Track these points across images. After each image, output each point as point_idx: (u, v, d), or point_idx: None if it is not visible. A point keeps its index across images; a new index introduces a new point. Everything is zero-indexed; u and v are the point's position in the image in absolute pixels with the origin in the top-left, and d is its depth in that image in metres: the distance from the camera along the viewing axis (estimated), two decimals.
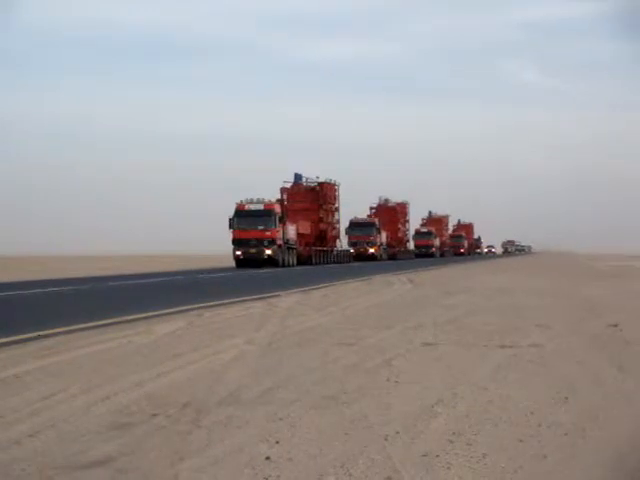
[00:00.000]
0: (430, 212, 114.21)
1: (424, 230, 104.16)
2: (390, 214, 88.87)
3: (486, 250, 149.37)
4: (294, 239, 55.98)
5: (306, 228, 60.97)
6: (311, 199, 64.51)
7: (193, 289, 25.44)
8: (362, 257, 75.79)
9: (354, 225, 77.97)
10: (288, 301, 18.13)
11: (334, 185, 68.14)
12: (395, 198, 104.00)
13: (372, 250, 77.21)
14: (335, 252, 66.83)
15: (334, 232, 67.40)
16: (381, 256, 78.73)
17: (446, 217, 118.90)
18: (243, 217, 52.44)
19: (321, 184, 65.55)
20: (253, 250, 51.73)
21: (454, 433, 5.90)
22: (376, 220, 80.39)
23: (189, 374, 8.35)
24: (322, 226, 64.71)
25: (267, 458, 5.29)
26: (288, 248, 54.37)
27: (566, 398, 7.11)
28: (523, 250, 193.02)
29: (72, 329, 12.63)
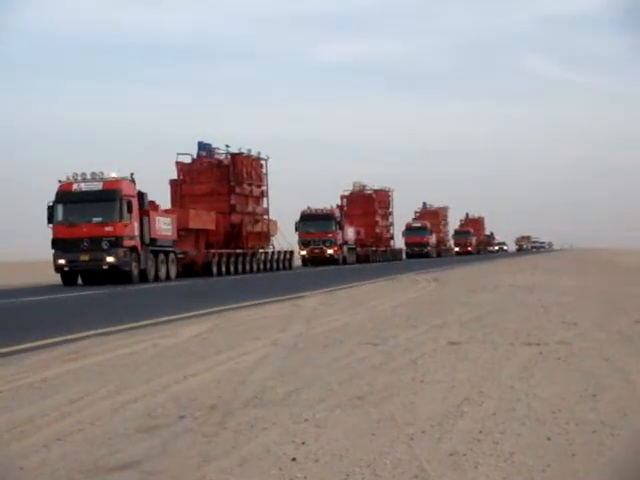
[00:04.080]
0: (425, 203, 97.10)
1: (417, 225, 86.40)
2: (365, 204, 69.58)
3: (496, 248, 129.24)
4: (171, 238, 35.81)
5: (204, 221, 40.03)
6: (217, 178, 43.00)
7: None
8: (317, 261, 57.97)
9: (306, 218, 58.78)
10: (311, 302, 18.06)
11: (258, 159, 46.16)
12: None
13: (330, 251, 58.39)
14: (262, 255, 45.94)
15: (258, 227, 45.51)
16: (345, 259, 60.19)
17: (444, 209, 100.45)
18: (70, 204, 32.03)
19: (234, 156, 43.65)
20: (86, 257, 31.64)
21: (481, 432, 5.88)
22: (336, 211, 60.98)
23: (215, 376, 8.37)
24: (235, 218, 43.17)
25: (293, 459, 5.30)
26: (156, 252, 34.12)
27: (594, 395, 7.07)
28: (543, 247, 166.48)
29: (99, 332, 12.70)
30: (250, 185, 45.15)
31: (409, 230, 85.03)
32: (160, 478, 4.98)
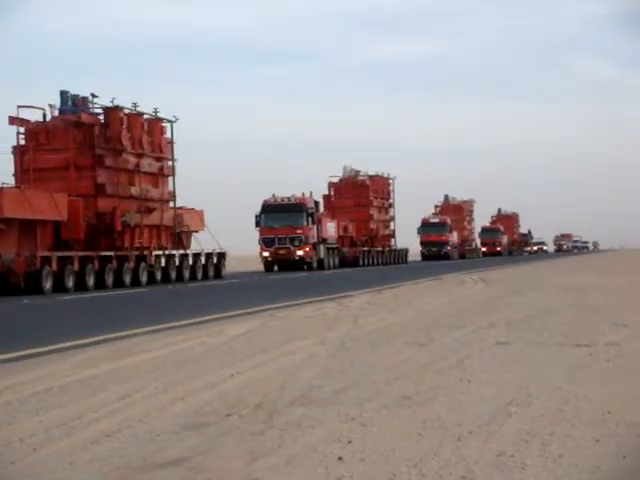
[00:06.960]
0: (446, 196, 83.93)
1: (435, 221, 73.81)
2: (357, 194, 56.35)
3: (535, 248, 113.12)
4: None
5: (40, 207, 26.10)
6: (78, 144, 28.97)
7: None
8: (284, 264, 45.55)
9: (269, 210, 45.90)
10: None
11: (155, 120, 32.37)
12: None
13: (300, 252, 45.50)
14: (159, 261, 31.10)
15: (154, 218, 31.65)
16: (321, 262, 46.97)
17: (469, 203, 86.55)
18: None
19: (107, 112, 29.93)
20: None
21: (529, 433, 5.82)
22: (308, 201, 47.28)
23: (261, 374, 8.40)
24: (104, 204, 29.45)
25: (339, 458, 5.29)
26: None
27: None
28: (586, 247, 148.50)
29: (146, 330, 12.83)
30: (138, 157, 30.97)
31: (425, 227, 71.89)
32: (207, 475, 5.01)
